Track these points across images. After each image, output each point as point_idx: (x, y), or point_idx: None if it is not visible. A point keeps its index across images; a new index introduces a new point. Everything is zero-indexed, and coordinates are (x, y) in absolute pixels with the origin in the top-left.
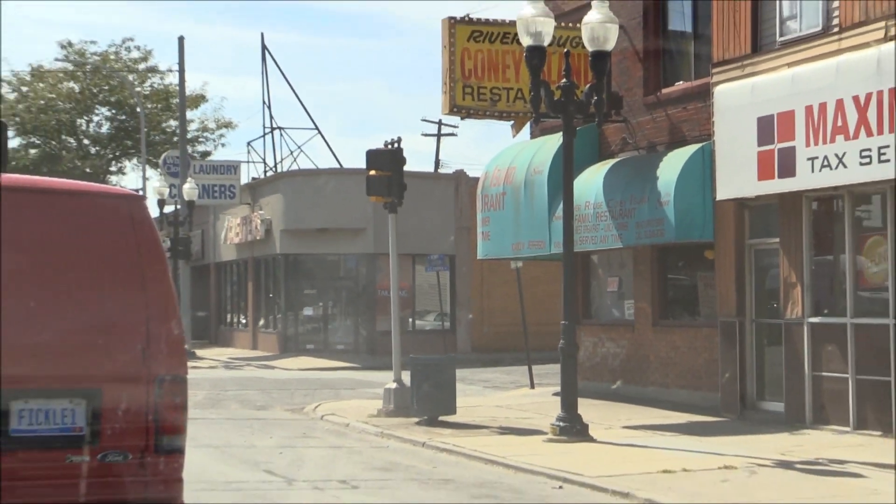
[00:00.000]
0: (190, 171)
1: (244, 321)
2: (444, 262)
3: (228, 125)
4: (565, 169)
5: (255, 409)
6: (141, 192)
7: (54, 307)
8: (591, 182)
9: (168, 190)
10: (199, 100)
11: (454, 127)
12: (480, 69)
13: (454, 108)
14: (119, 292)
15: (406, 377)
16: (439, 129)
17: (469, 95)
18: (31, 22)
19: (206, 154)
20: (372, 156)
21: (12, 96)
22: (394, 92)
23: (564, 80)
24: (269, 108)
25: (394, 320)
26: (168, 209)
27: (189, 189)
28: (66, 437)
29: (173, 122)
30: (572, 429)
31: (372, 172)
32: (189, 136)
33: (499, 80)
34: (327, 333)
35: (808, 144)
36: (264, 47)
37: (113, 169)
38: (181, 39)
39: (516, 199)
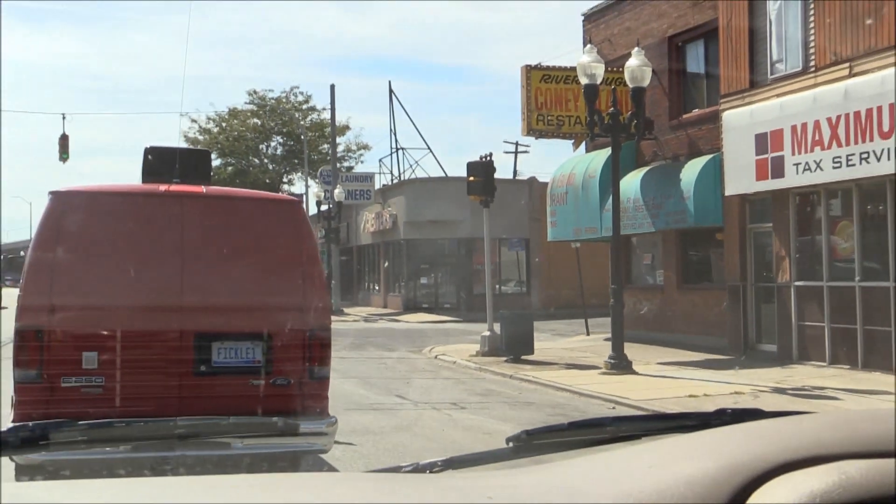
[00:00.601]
0: (339, 180)
1: (377, 287)
2: (521, 244)
3: (365, 147)
4: (613, 174)
5: (386, 350)
6: (302, 197)
7: (240, 279)
8: (631, 183)
9: (323, 194)
10: (344, 129)
11: (527, 146)
12: (549, 102)
13: (530, 131)
14: (285, 268)
15: (496, 327)
16: (516, 148)
17: (541, 121)
18: (230, 78)
19: (349, 168)
20: (471, 166)
21: (216, 130)
22: (484, 122)
23: (612, 109)
24: (395, 134)
25: (487, 286)
26: (323, 208)
27: (338, 193)
28: (248, 367)
29: (326, 146)
30: (620, 364)
31: (471, 178)
32: (338, 155)
33: (562, 109)
34: (437, 296)
35: (793, 153)
36: (391, 91)
37: (285, 180)
38: (332, 87)
39: (576, 197)
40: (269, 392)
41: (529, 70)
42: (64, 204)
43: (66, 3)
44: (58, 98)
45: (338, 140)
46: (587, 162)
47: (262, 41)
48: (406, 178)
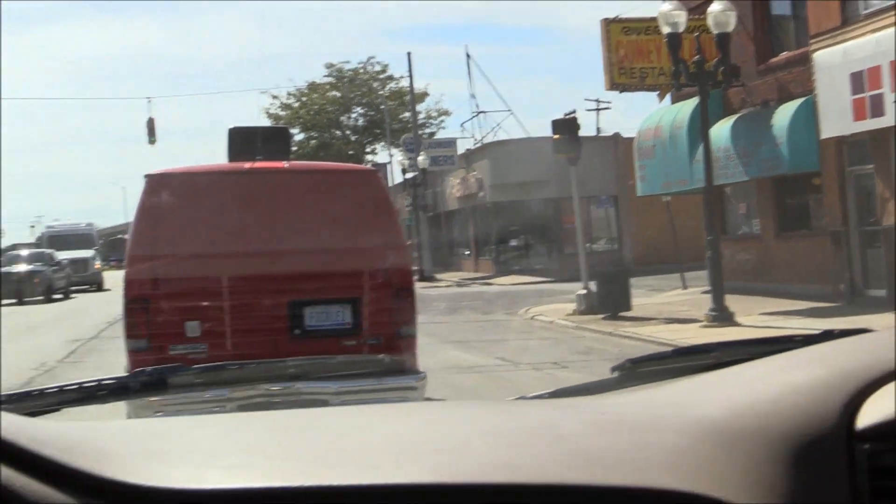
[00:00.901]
0: (421, 147)
1: (467, 252)
2: (610, 201)
3: (445, 113)
4: (702, 123)
5: (482, 313)
6: (386, 166)
7: (326, 247)
8: (720, 133)
9: (408, 162)
10: (423, 96)
11: (609, 102)
12: (631, 55)
13: (613, 85)
14: (367, 234)
15: (591, 285)
16: (598, 105)
17: (624, 75)
18: (307, 54)
19: (431, 134)
20: (556, 124)
21: (296, 105)
22: (562, 82)
23: (697, 57)
24: (475, 97)
25: (579, 244)
26: (409, 176)
27: (422, 160)
28: (339, 329)
29: (406, 114)
30: (721, 316)
31: (556, 136)
32: (418, 122)
33: (645, 61)
34: (528, 257)
35: (893, 90)
36: (468, 55)
37: (367, 150)
38: (409, 54)
39: (664, 150)
40: (359, 351)
41: (609, 23)
42: (159, 185)
43: None
44: (143, 84)
45: (418, 107)
46: (674, 113)
47: (336, 15)
48: (488, 141)
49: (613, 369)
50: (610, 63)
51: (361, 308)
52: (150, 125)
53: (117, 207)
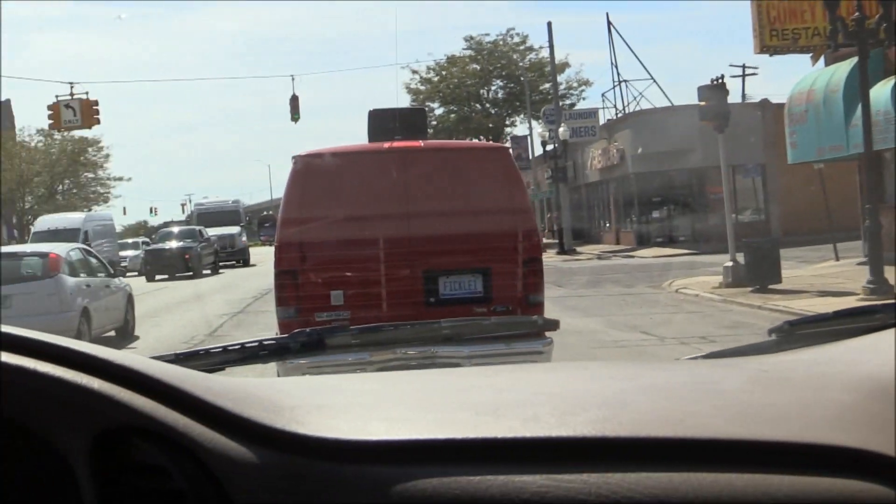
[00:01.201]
0: (562, 118)
1: (608, 224)
2: (757, 170)
3: (586, 83)
4: (862, 84)
5: (624, 287)
6: (526, 138)
7: (459, 220)
8: (880, 95)
9: (548, 133)
10: (563, 67)
11: (755, 68)
12: (782, 15)
13: (763, 48)
14: (497, 208)
15: (739, 257)
16: (743, 70)
17: (775, 36)
18: (445, 28)
19: (572, 105)
20: (702, 91)
21: (436, 79)
22: (703, 47)
23: (857, 14)
24: (616, 66)
25: (727, 214)
26: (549, 148)
27: (563, 132)
28: (471, 298)
29: (546, 85)
30: (881, 289)
31: (703, 103)
32: (559, 93)
33: (797, 22)
34: (670, 229)
35: None
36: (609, 22)
37: (507, 123)
38: (549, 24)
39: (817, 114)
40: (491, 316)
41: None
42: (305, 165)
43: None
44: (288, 63)
45: (558, 78)
46: (828, 76)
47: None
48: (630, 111)
49: (771, 331)
50: (760, 25)
51: (492, 277)
52: (294, 103)
53: (263, 184)
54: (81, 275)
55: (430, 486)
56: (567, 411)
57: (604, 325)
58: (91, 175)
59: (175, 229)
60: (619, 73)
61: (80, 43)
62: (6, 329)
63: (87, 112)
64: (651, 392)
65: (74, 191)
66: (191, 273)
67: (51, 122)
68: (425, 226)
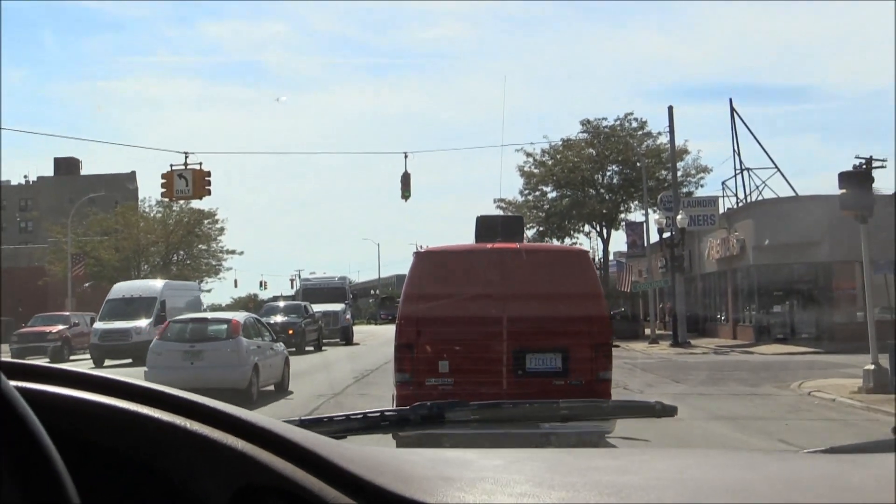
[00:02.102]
0: (680, 205)
1: (724, 317)
2: (889, 266)
3: (705, 170)
4: None
5: (748, 386)
6: (642, 225)
7: (545, 308)
8: None
9: (665, 221)
10: (682, 153)
11: (884, 160)
12: None
13: None
14: (577, 302)
15: (881, 359)
16: (870, 163)
17: None
18: (564, 112)
19: (689, 193)
20: (845, 177)
21: (550, 162)
22: (824, 141)
23: None
24: (738, 154)
25: (868, 310)
26: (665, 235)
27: (681, 219)
28: (552, 372)
29: (664, 172)
30: None
31: (844, 190)
32: (677, 180)
33: None
34: (793, 325)
35: None
36: (732, 108)
37: (622, 209)
38: (670, 108)
39: None
40: (567, 389)
41: None
42: (424, 260)
43: (401, 59)
44: (401, 143)
45: (677, 165)
46: None
47: (595, 74)
48: (752, 200)
49: (894, 430)
50: None
51: (570, 356)
52: (406, 180)
53: (371, 262)
54: (254, 338)
55: None
56: (690, 497)
57: (733, 430)
58: (204, 247)
59: (281, 304)
60: (741, 161)
61: (208, 119)
62: (160, 388)
63: (199, 182)
64: (774, 483)
65: (188, 262)
66: (293, 349)
67: (163, 190)
68: (518, 312)
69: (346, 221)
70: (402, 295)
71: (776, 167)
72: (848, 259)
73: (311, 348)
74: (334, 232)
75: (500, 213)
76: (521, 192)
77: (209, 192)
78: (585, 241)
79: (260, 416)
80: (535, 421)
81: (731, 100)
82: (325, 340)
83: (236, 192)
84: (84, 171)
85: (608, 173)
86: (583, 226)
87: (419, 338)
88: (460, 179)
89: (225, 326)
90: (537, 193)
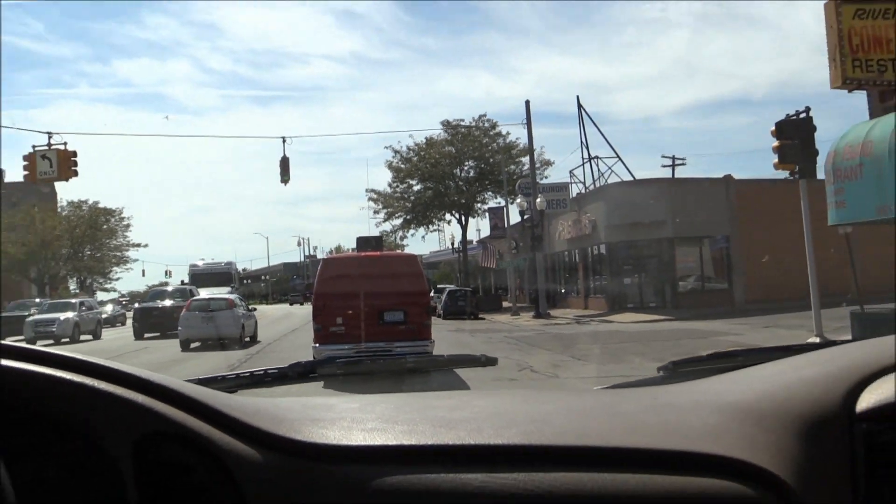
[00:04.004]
0: (538, 191)
1: (575, 291)
2: (723, 240)
3: (548, 163)
4: None
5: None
6: (502, 210)
7: (392, 287)
8: None
9: (526, 204)
10: (525, 153)
11: (683, 159)
12: (866, 44)
13: (846, 81)
14: (409, 283)
15: (825, 333)
16: (674, 162)
17: (858, 68)
18: (427, 115)
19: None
20: (781, 126)
21: (415, 158)
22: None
23: None
24: (587, 145)
25: (812, 278)
26: (525, 217)
27: (540, 202)
28: (398, 321)
29: (512, 167)
30: None
31: (780, 143)
32: (524, 173)
33: (883, 52)
34: (643, 295)
35: None
36: (580, 106)
37: (478, 199)
38: (527, 102)
39: (879, 167)
40: (406, 331)
41: (839, 5)
42: (327, 261)
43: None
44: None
45: (523, 159)
46: (890, 126)
47: (430, 106)
48: (600, 185)
49: (659, 369)
50: (841, 54)
51: (407, 312)
52: (285, 164)
53: (262, 253)
54: (240, 308)
55: (397, 481)
56: (502, 425)
57: None
58: (111, 241)
59: (168, 289)
60: (589, 150)
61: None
62: (73, 355)
63: (64, 163)
64: (567, 412)
65: (97, 254)
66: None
67: (26, 173)
68: (377, 289)
69: (239, 219)
70: (316, 281)
71: (617, 156)
72: (688, 235)
73: None
74: (231, 228)
75: (371, 202)
76: (389, 185)
77: (75, 174)
78: (447, 228)
79: (160, 376)
80: (388, 373)
81: (577, 97)
82: None
83: (146, 192)
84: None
85: (465, 168)
86: (443, 214)
87: (325, 305)
88: (336, 180)
89: (224, 302)
90: (404, 186)
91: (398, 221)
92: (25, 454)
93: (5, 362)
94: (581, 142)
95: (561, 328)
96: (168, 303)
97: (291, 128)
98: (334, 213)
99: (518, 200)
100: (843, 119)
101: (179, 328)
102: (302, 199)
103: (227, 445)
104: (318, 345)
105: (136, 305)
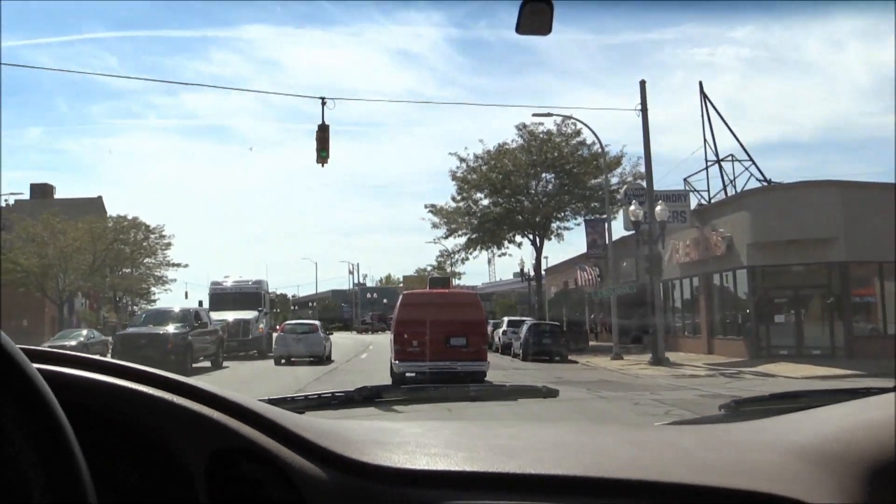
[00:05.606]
0: (654, 198)
1: (697, 330)
2: None
3: (641, 178)
4: None
5: None
6: (603, 222)
7: (458, 316)
8: None
9: (642, 213)
10: (618, 160)
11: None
12: None
13: None
14: (468, 314)
15: None
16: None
17: None
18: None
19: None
20: None
21: (485, 167)
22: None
23: None
24: (714, 143)
25: None
26: (640, 228)
27: (660, 211)
28: (461, 345)
29: (594, 180)
30: None
31: None
32: (611, 189)
33: None
34: (801, 339)
35: None
36: (703, 92)
37: (559, 215)
38: (643, 83)
39: None
40: (467, 352)
41: None
42: (406, 296)
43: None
44: (336, 189)
45: (612, 174)
46: None
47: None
48: (734, 193)
49: (721, 407)
50: None
51: (468, 338)
52: (323, 137)
53: (310, 280)
54: (322, 333)
55: None
56: (563, 456)
57: None
58: (151, 260)
59: (168, 310)
60: (716, 150)
61: (186, 169)
62: (152, 370)
63: None
64: (628, 446)
65: (132, 272)
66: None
67: None
68: (445, 318)
69: (290, 246)
70: (396, 312)
71: (751, 159)
72: (867, 259)
73: (209, 364)
74: (281, 254)
75: (430, 215)
76: (452, 198)
77: None
78: (517, 251)
79: (234, 393)
80: (450, 401)
81: (700, 83)
82: (232, 354)
83: (199, 217)
84: (57, 195)
85: (542, 180)
86: (513, 235)
87: (404, 331)
88: (392, 220)
89: (310, 327)
90: (469, 200)
91: (461, 240)
92: (106, 464)
93: (92, 375)
94: (704, 138)
95: (713, 384)
96: (163, 330)
97: (346, 161)
98: (385, 245)
99: (632, 208)
100: None
101: (275, 346)
102: (354, 231)
103: (296, 463)
104: (397, 362)
105: (118, 332)
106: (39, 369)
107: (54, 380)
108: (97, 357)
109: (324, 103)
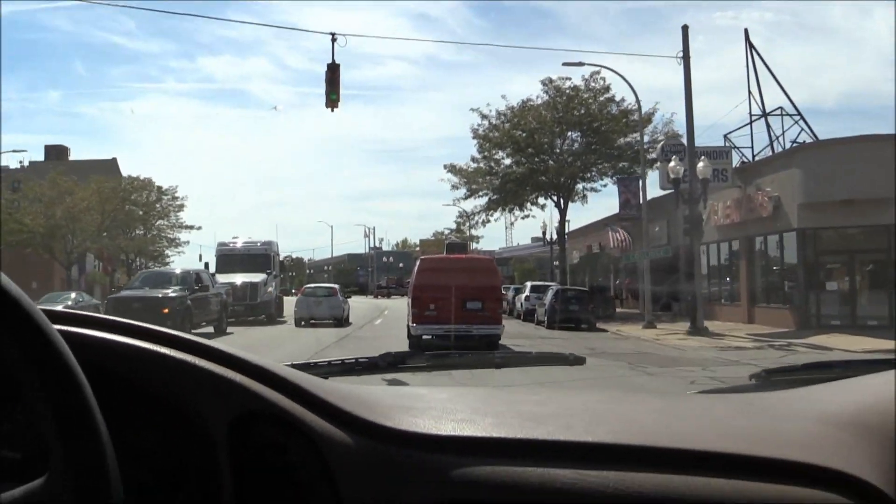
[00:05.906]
0: (696, 154)
1: (729, 295)
2: None
3: (675, 136)
4: None
5: None
6: (638, 181)
7: (474, 281)
8: None
9: (682, 170)
10: (649, 117)
11: None
12: None
13: None
14: (485, 279)
15: None
16: None
17: None
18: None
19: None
20: None
21: (507, 125)
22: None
23: None
24: (760, 96)
25: None
26: (660, 193)
27: (703, 167)
28: (477, 309)
29: (622, 140)
30: None
31: None
32: (645, 144)
33: None
34: (854, 309)
35: None
36: (748, 40)
37: (585, 175)
38: (685, 28)
39: None
40: (483, 316)
41: None
42: (424, 261)
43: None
44: (353, 156)
45: (645, 128)
46: None
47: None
48: (780, 150)
49: (751, 377)
50: None
51: (484, 302)
52: (333, 76)
53: (325, 244)
54: (341, 296)
55: (486, 472)
56: (592, 423)
57: None
58: (164, 222)
59: (166, 272)
60: (763, 106)
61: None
62: (175, 332)
63: None
64: (659, 413)
65: (144, 233)
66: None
67: None
68: (463, 283)
69: (306, 211)
70: (413, 276)
71: (799, 114)
72: None
73: (211, 329)
74: (298, 219)
75: (450, 175)
76: (473, 159)
77: None
78: (539, 213)
79: (258, 357)
80: (474, 367)
81: (746, 30)
82: (239, 319)
83: (217, 180)
84: (71, 157)
85: (568, 138)
86: (537, 197)
87: (421, 294)
88: (406, 183)
89: (329, 290)
90: (491, 161)
91: (482, 201)
92: (126, 426)
93: (112, 336)
94: (749, 91)
95: (765, 358)
96: (160, 293)
97: (362, 126)
98: (401, 209)
99: (672, 164)
100: None
101: (295, 309)
102: (369, 195)
103: (321, 428)
104: (415, 324)
105: (111, 295)
106: (60, 331)
107: (74, 341)
108: (118, 318)
109: (334, 40)
